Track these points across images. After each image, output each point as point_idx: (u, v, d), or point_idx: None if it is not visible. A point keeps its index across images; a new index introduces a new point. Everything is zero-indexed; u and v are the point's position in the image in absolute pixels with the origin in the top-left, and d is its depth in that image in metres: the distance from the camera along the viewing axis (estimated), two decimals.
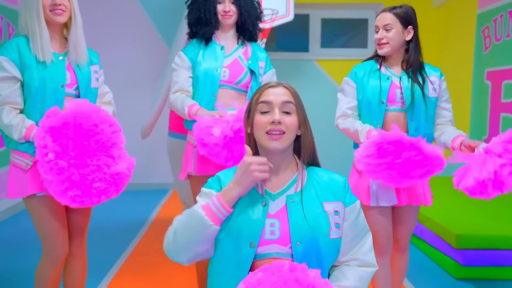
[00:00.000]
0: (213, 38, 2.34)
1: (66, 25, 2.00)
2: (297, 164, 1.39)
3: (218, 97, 2.29)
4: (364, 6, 5.64)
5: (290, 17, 4.68)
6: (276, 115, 1.31)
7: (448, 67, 5.35)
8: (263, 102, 1.34)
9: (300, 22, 5.56)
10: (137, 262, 3.19)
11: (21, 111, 1.91)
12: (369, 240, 1.38)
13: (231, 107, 2.25)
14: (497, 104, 4.32)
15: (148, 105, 5.48)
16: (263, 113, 1.34)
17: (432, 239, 3.26)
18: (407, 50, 2.11)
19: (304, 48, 5.71)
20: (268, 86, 1.38)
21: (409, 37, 2.09)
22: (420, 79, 2.09)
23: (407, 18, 2.08)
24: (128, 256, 3.32)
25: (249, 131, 1.39)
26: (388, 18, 2.07)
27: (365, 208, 2.07)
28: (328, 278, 1.33)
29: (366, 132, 2.03)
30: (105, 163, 1.85)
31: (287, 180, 1.36)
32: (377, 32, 2.09)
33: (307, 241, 1.27)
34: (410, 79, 2.09)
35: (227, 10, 2.25)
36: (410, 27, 2.08)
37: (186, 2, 2.41)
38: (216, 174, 1.41)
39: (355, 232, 1.35)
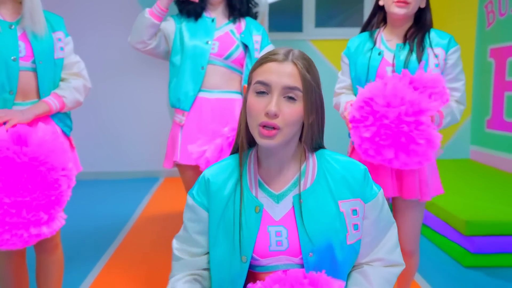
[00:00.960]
0: (203, 13, 2.18)
1: None
2: (304, 152, 1.14)
3: (208, 73, 2.12)
4: None
5: None
6: (273, 105, 1.02)
7: None
8: (260, 82, 1.05)
9: (293, 1, 5.44)
10: (127, 254, 3.10)
11: None
12: (394, 234, 1.17)
13: (223, 89, 2.12)
14: (501, 82, 4.25)
15: (138, 89, 5.42)
16: (259, 93, 1.05)
17: (439, 225, 3.20)
18: (416, 19, 1.85)
19: (298, 28, 5.57)
20: (273, 58, 1.07)
21: (423, 4, 1.83)
22: (420, 52, 1.82)
23: None
24: (117, 247, 3.23)
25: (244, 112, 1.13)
26: None
27: None
28: (347, 281, 1.14)
29: (347, 101, 1.81)
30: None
31: (293, 175, 1.13)
32: None
33: (321, 251, 1.08)
34: (407, 54, 1.81)
35: None
36: None
37: None
38: (202, 175, 1.18)
39: (378, 230, 1.15)
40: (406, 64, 1.79)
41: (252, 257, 1.10)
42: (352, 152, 1.90)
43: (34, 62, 1.78)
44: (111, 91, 5.16)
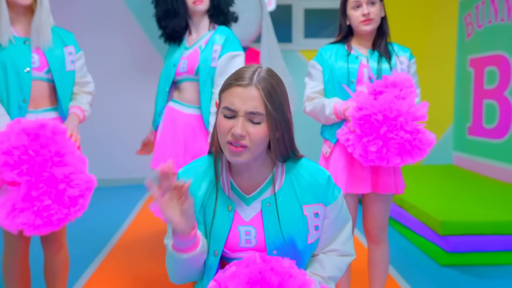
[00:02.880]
0: (184, 37, 2.27)
1: (32, 8, 1.93)
2: (273, 160, 1.20)
3: (181, 91, 2.26)
4: None
5: (272, 7, 4.64)
6: (238, 128, 1.09)
7: (432, 54, 5.40)
8: (226, 108, 1.12)
9: (283, 13, 5.52)
10: (119, 256, 3.16)
11: None
12: (348, 228, 1.30)
13: (194, 105, 2.23)
14: (480, 91, 4.36)
15: (130, 96, 5.47)
16: (226, 116, 1.13)
17: (417, 226, 3.29)
18: (378, 28, 2.04)
19: (287, 39, 5.67)
20: (237, 83, 1.13)
21: (383, 13, 2.03)
22: (389, 58, 2.02)
23: None
24: (110, 250, 3.29)
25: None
26: None
27: None
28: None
29: (335, 103, 1.95)
30: (71, 172, 1.75)
31: (262, 180, 1.21)
32: (357, 7, 1.97)
33: (284, 249, 1.19)
34: (377, 58, 2.01)
35: None
36: (382, 2, 2.02)
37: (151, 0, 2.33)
38: (178, 174, 1.26)
39: (335, 227, 1.26)
40: (379, 70, 1.99)
41: (224, 251, 1.21)
42: (333, 151, 2.04)
43: (47, 72, 1.92)
44: (104, 98, 5.21)
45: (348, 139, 1.88)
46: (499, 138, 4.09)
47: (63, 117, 1.99)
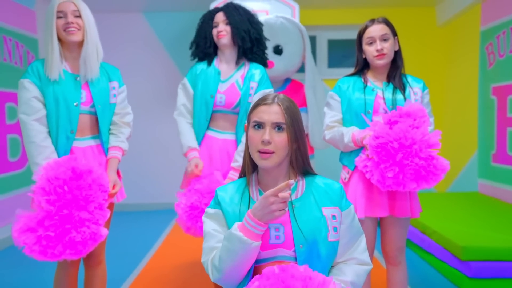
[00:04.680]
0: (214, 61, 2.48)
1: (82, 43, 2.07)
2: (296, 173, 1.46)
3: (215, 120, 2.45)
4: None
5: None
6: (266, 135, 1.36)
7: (454, 84, 5.45)
8: (255, 121, 1.40)
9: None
10: (150, 276, 3.28)
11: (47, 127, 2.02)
12: (363, 241, 1.46)
13: (228, 131, 2.44)
14: (503, 119, 4.36)
15: (156, 124, 5.65)
16: (256, 129, 1.39)
17: (439, 252, 3.30)
18: (392, 61, 2.15)
19: None
20: (263, 102, 1.42)
21: (396, 47, 2.14)
22: (403, 90, 2.12)
23: (394, 28, 2.13)
24: (141, 271, 3.41)
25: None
26: (385, 28, 2.10)
27: None
28: (328, 275, 1.41)
29: (353, 132, 2.06)
30: (89, 219, 1.86)
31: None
32: (371, 43, 2.10)
33: (309, 244, 1.35)
34: (392, 90, 2.12)
35: (220, 30, 2.40)
36: (396, 37, 2.13)
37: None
38: (216, 190, 1.48)
39: (351, 234, 1.43)
40: (394, 101, 2.10)
41: None
42: (352, 176, 2.15)
43: (92, 106, 2.08)
44: (136, 128, 5.46)
45: (366, 166, 1.99)
46: None
47: (102, 144, 2.15)
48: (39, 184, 1.84)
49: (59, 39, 2.05)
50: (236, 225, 1.30)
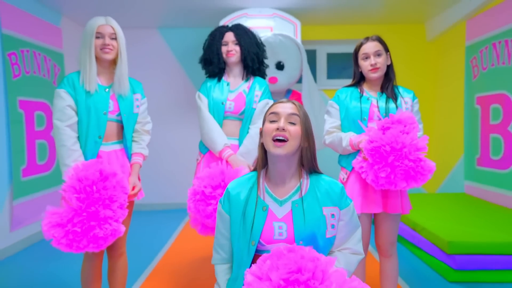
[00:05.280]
0: (223, 77, 2.57)
1: (115, 62, 2.18)
2: (301, 173, 1.48)
3: (225, 124, 2.53)
4: None
5: None
6: (281, 123, 1.41)
7: (443, 94, 5.46)
8: (272, 113, 1.45)
9: (308, 57, 5.63)
10: (165, 269, 3.32)
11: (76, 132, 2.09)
12: (358, 232, 1.50)
13: (233, 137, 2.51)
14: (486, 126, 4.38)
15: (169, 130, 5.66)
16: (271, 121, 1.43)
17: (427, 246, 3.34)
18: (385, 74, 2.21)
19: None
20: (279, 101, 1.49)
21: (389, 61, 2.20)
22: (395, 99, 2.17)
23: (386, 45, 2.19)
24: (157, 263, 3.45)
25: (261, 141, 1.48)
26: (378, 45, 2.16)
27: None
28: None
29: (350, 136, 2.12)
30: (111, 217, 1.92)
31: (293, 187, 1.45)
32: (366, 58, 2.17)
33: (308, 240, 1.38)
34: (385, 99, 2.17)
35: (229, 49, 2.50)
36: (388, 53, 2.19)
37: (203, 47, 2.66)
38: (227, 188, 1.52)
39: (348, 228, 1.47)
40: (387, 109, 2.17)
41: (260, 243, 1.39)
42: (349, 177, 2.21)
43: (118, 115, 2.17)
44: (152, 135, 5.46)
45: (361, 167, 2.06)
46: (504, 169, 4.09)
47: (126, 148, 2.23)
48: (69, 183, 1.90)
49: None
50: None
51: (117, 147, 2.22)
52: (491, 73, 4.30)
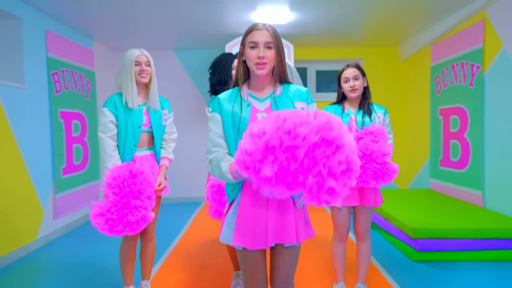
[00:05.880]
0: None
1: (147, 84, 2.32)
2: (275, 82, 1.56)
3: None
4: (348, 61, 5.74)
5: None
6: (261, 52, 1.45)
7: (412, 106, 5.56)
8: (251, 41, 1.48)
9: (300, 73, 5.78)
10: (181, 251, 3.44)
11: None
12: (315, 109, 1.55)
13: None
14: (447, 133, 4.49)
15: (184, 136, 5.63)
16: (252, 48, 1.47)
17: (396, 232, 3.49)
18: (362, 94, 2.33)
19: None
20: (256, 28, 1.49)
21: (365, 83, 2.33)
22: (369, 114, 2.27)
23: (363, 71, 2.32)
24: (175, 246, 3.57)
25: (242, 58, 1.53)
26: (356, 71, 2.28)
27: (332, 207, 2.31)
28: None
29: None
30: (140, 206, 2.03)
31: (270, 90, 1.54)
32: (346, 81, 2.28)
33: None
34: (362, 115, 2.28)
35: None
36: (365, 77, 2.32)
37: (209, 70, 2.71)
38: (217, 97, 1.55)
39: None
40: (363, 123, 2.29)
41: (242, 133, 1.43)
42: None
43: (150, 127, 2.29)
44: None
45: None
46: (461, 169, 4.21)
47: (155, 153, 2.35)
48: (107, 181, 2.07)
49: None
50: (228, 168, 1.42)
51: (148, 152, 2.33)
52: (451, 89, 4.42)
